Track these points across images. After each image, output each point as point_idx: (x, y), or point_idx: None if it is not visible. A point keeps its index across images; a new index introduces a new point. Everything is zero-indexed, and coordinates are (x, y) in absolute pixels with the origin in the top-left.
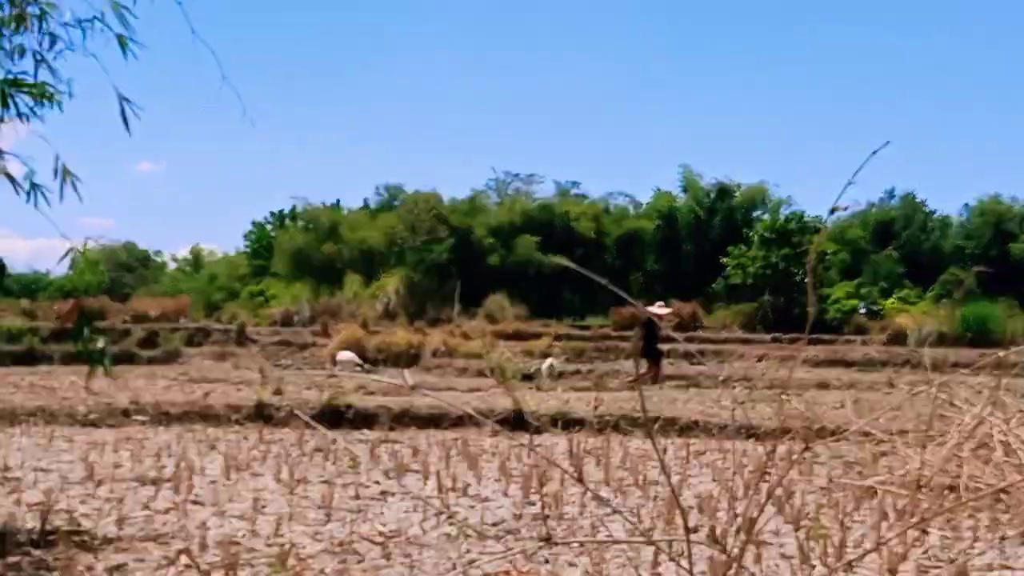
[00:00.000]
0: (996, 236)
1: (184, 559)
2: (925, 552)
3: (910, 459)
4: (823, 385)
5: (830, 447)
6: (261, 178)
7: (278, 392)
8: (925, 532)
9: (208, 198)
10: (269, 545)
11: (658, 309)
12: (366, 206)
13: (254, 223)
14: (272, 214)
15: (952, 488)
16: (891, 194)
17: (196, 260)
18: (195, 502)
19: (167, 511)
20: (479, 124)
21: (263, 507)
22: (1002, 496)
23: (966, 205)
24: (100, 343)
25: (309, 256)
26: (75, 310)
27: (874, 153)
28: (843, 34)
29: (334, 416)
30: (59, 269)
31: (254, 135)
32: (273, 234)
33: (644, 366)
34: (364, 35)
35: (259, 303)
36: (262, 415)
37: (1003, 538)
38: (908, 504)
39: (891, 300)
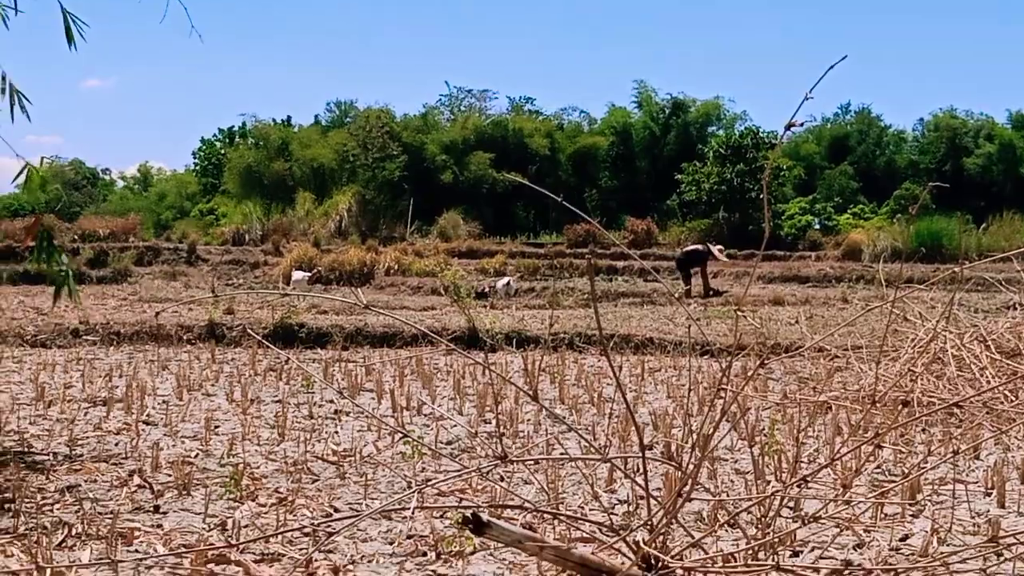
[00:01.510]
0: (950, 151)
1: (137, 479)
2: (879, 467)
3: (864, 374)
4: (778, 301)
5: (785, 363)
6: (210, 95)
7: (230, 311)
8: (879, 447)
9: (157, 115)
10: (222, 465)
11: (717, 252)
12: (317, 123)
13: (203, 140)
14: (221, 131)
15: (906, 403)
16: (846, 109)
17: (145, 178)
18: (147, 422)
19: (119, 432)
20: (432, 39)
21: (216, 427)
22: (955, 411)
23: (921, 120)
24: (64, 262)
25: (260, 174)
26: (35, 227)
27: (830, 68)
28: None
29: (287, 335)
30: (6, 188)
31: (203, 51)
32: (223, 152)
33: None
34: None
35: (209, 221)
36: (214, 335)
37: (956, 452)
38: (862, 419)
39: (845, 216)
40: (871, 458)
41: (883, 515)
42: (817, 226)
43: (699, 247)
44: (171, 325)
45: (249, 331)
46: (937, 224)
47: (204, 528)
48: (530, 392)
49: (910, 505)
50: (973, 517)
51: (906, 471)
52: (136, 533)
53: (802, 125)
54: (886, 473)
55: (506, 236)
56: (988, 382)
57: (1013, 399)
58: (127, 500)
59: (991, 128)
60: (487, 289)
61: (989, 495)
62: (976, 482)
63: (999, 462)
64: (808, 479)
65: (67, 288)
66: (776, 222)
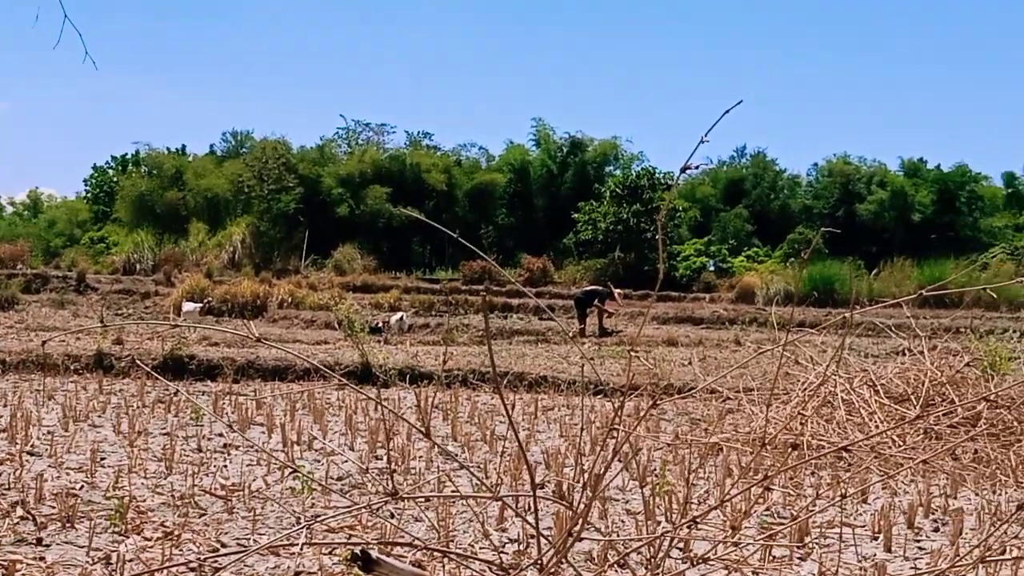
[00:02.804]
0: (844, 196)
1: (19, 511)
2: (768, 509)
3: (755, 417)
4: (671, 342)
5: (677, 404)
6: (104, 122)
7: (119, 342)
8: (768, 489)
9: (49, 141)
10: (108, 498)
11: (617, 295)
12: (212, 153)
13: (95, 168)
14: (114, 159)
15: (795, 446)
16: (742, 152)
17: (35, 204)
18: (32, 453)
19: (2, 462)
20: (330, 71)
21: (102, 459)
22: (844, 454)
23: (815, 165)
24: None
25: (152, 203)
26: None
27: (727, 112)
28: None
29: (177, 367)
30: None
31: (98, 78)
32: (115, 180)
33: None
34: None
35: (100, 250)
36: (102, 365)
37: (844, 496)
38: (752, 461)
39: (740, 258)
40: (760, 500)
41: (771, 557)
42: (712, 268)
43: (599, 287)
44: (58, 354)
45: (138, 362)
46: (829, 269)
47: (88, 562)
48: (422, 429)
49: (798, 548)
50: (860, 561)
51: (795, 514)
52: (18, 566)
53: (698, 167)
54: (775, 515)
55: (402, 271)
56: (877, 426)
57: (901, 444)
58: (9, 532)
59: (883, 175)
60: (381, 324)
61: (876, 539)
62: (863, 526)
63: (886, 506)
64: (698, 520)
65: None
66: (671, 263)
